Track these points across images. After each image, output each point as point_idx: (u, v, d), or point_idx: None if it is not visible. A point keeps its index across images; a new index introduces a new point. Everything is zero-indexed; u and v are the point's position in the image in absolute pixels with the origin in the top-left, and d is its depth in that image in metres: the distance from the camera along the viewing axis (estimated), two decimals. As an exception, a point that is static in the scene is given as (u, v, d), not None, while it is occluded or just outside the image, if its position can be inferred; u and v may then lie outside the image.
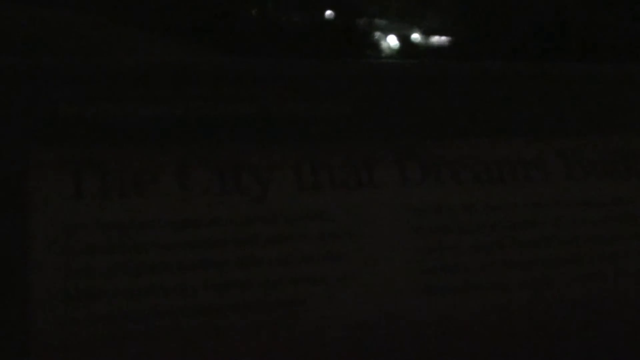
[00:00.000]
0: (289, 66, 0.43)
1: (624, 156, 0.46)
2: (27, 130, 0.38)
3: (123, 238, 0.37)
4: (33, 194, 0.37)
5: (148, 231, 0.37)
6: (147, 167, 0.38)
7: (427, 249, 0.41)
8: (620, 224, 0.45)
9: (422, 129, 0.43)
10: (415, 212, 0.41)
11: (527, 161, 0.44)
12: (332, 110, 0.42)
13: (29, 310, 0.35)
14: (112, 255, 0.37)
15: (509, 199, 0.43)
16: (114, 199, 0.37)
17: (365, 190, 0.41)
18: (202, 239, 0.38)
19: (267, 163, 0.40)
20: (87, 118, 0.38)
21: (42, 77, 0.38)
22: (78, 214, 0.37)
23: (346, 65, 0.44)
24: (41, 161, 0.37)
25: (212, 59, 0.42)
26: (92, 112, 0.39)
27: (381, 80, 0.43)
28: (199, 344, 0.37)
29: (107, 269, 0.37)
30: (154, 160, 0.38)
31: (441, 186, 0.42)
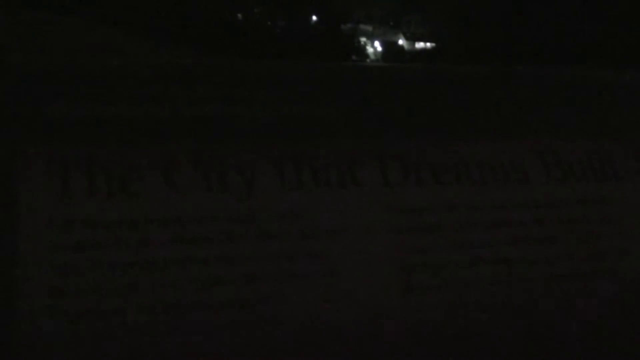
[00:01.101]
0: (273, 68, 0.44)
1: (601, 158, 0.47)
2: (16, 130, 0.38)
3: (110, 235, 0.38)
4: (22, 193, 0.37)
5: (134, 229, 0.38)
6: (134, 166, 0.39)
7: (408, 248, 0.42)
8: (598, 224, 0.46)
9: (404, 131, 0.44)
10: (396, 211, 0.42)
11: (507, 163, 0.45)
12: (316, 112, 0.43)
13: (17, 304, 0.36)
14: (98, 252, 0.37)
15: (489, 200, 0.44)
16: (102, 197, 0.38)
17: (347, 190, 0.42)
18: (187, 236, 0.38)
19: (251, 163, 0.40)
20: (75, 118, 0.39)
21: (30, 78, 0.39)
22: (66, 212, 0.37)
23: (330, 68, 0.45)
24: (30, 160, 0.38)
25: (198, 61, 0.43)
26: (80, 112, 0.39)
27: (364, 83, 0.44)
28: (183, 339, 0.38)
29: (94, 266, 0.37)
30: (140, 159, 0.39)
31: (422, 187, 0.43)
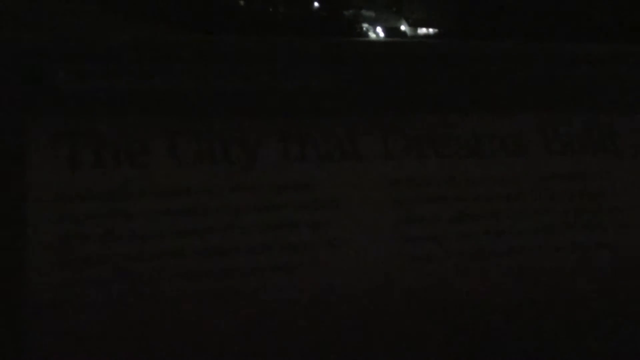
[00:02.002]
0: (277, 44, 0.44)
1: (600, 131, 0.48)
2: (25, 105, 0.39)
3: (116, 206, 0.38)
4: (31, 165, 0.38)
5: (140, 199, 0.39)
6: (140, 139, 0.40)
7: (408, 219, 0.43)
8: (596, 196, 0.47)
9: (405, 105, 0.45)
10: (397, 183, 0.43)
11: (506, 136, 0.46)
12: (318, 86, 0.43)
13: (26, 273, 0.37)
14: (105, 222, 0.38)
15: (488, 172, 0.45)
16: (108, 169, 0.39)
17: (349, 162, 0.42)
18: (192, 206, 0.39)
19: (254, 135, 0.41)
20: (83, 93, 0.40)
21: (39, 55, 0.40)
22: (73, 184, 0.38)
23: (332, 44, 0.46)
24: (38, 135, 0.39)
25: (203, 37, 0.43)
26: (87, 87, 0.40)
27: (365, 58, 0.45)
28: (188, 307, 0.39)
29: (101, 236, 0.38)
30: (146, 132, 0.40)
31: (422, 159, 0.44)
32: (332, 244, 0.41)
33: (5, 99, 0.39)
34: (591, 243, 0.46)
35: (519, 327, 0.44)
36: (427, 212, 0.43)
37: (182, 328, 0.38)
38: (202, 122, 0.41)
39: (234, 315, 0.39)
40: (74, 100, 0.39)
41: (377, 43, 0.48)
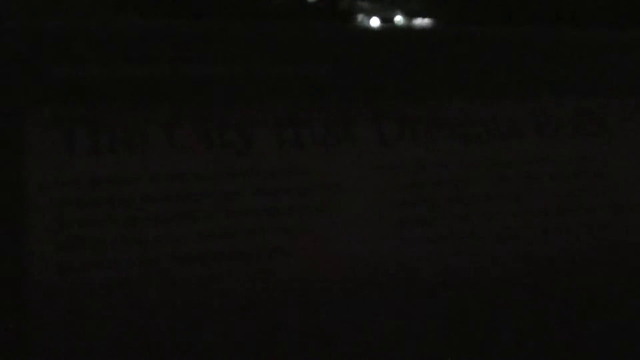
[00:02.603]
0: (271, 29, 0.45)
1: (592, 115, 0.48)
2: (22, 90, 0.39)
3: (113, 191, 0.39)
4: (28, 151, 0.38)
5: (137, 184, 0.39)
6: (136, 124, 0.40)
7: (403, 202, 0.43)
8: (590, 179, 0.47)
9: (399, 90, 0.45)
10: (391, 167, 0.43)
11: (500, 120, 0.46)
12: (312, 71, 0.44)
13: (25, 258, 0.37)
14: (102, 207, 0.39)
15: (482, 156, 0.45)
16: (105, 154, 0.39)
17: (344, 147, 0.43)
18: (189, 191, 0.40)
19: (250, 121, 0.42)
20: (79, 78, 0.40)
21: (35, 40, 0.40)
22: (71, 169, 0.39)
23: (326, 29, 0.46)
24: (35, 119, 0.39)
25: (197, 22, 0.44)
26: (83, 72, 0.40)
27: (359, 43, 0.45)
28: (187, 291, 0.39)
29: (98, 220, 0.38)
30: (142, 117, 0.40)
31: (416, 144, 0.44)
32: (329, 227, 0.42)
33: (1, 84, 0.39)
34: (584, 224, 0.46)
35: (519, 310, 0.44)
36: (423, 195, 0.44)
37: (181, 311, 0.39)
38: (198, 108, 0.41)
39: (232, 299, 0.39)
40: (70, 86, 0.40)
41: (371, 30, 0.49)
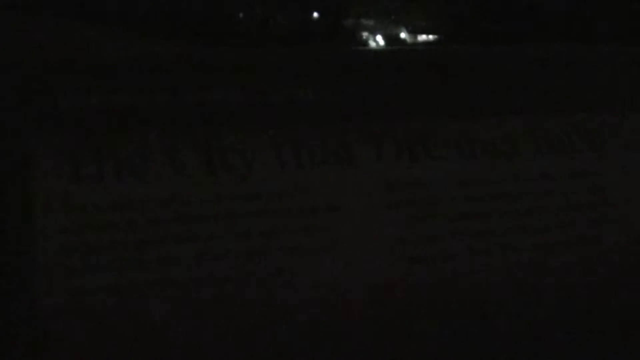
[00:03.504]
0: (269, 54, 0.46)
1: (589, 130, 0.49)
2: (27, 118, 0.40)
3: (119, 216, 0.40)
4: (34, 178, 0.39)
5: (142, 209, 0.40)
6: (140, 150, 0.41)
7: (404, 222, 0.44)
8: (587, 194, 0.48)
9: (397, 110, 0.46)
10: (391, 187, 0.44)
11: (497, 138, 0.47)
12: (310, 94, 0.45)
13: (34, 284, 0.38)
14: (110, 233, 0.39)
15: (480, 174, 0.46)
16: (110, 181, 0.40)
17: (344, 167, 0.44)
18: (191, 214, 0.41)
19: (251, 144, 0.43)
20: (83, 106, 0.41)
21: (39, 69, 0.41)
22: (76, 196, 0.40)
23: (323, 52, 0.47)
24: (41, 147, 0.40)
25: (198, 50, 0.45)
26: (87, 101, 0.41)
27: (357, 64, 0.46)
28: (190, 314, 0.40)
29: (105, 246, 0.39)
30: (146, 144, 0.41)
31: (415, 163, 0.45)
32: (330, 248, 0.43)
33: (7, 115, 0.40)
34: (586, 240, 0.47)
35: (520, 326, 0.45)
36: (423, 214, 0.45)
37: (186, 333, 0.40)
38: (199, 133, 0.42)
39: (234, 321, 0.40)
40: (75, 114, 0.41)
41: (368, 51, 0.50)
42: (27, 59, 0.42)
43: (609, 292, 0.46)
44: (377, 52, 0.49)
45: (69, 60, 0.42)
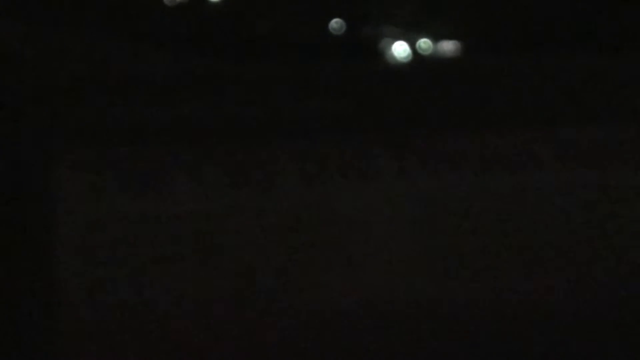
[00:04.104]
0: (291, 68, 0.46)
1: (611, 145, 0.48)
2: (51, 133, 0.41)
3: (140, 230, 0.40)
4: (59, 192, 0.40)
5: (164, 223, 0.40)
6: (162, 165, 0.41)
7: (426, 235, 0.44)
8: (613, 207, 0.47)
9: (419, 124, 0.46)
10: (413, 200, 0.44)
11: (519, 151, 0.47)
12: (333, 108, 0.45)
13: (57, 295, 0.38)
14: (131, 246, 0.40)
15: (502, 187, 0.46)
16: (133, 195, 0.40)
17: (366, 181, 0.44)
18: (214, 229, 0.41)
19: (273, 158, 0.43)
20: (107, 123, 0.42)
21: (64, 85, 0.42)
22: (99, 209, 0.40)
23: (345, 66, 0.47)
24: (67, 163, 0.40)
25: (220, 65, 0.45)
26: (111, 116, 0.42)
27: (379, 78, 0.46)
28: (211, 328, 0.40)
29: (126, 259, 0.39)
30: (168, 159, 0.41)
31: (437, 176, 0.45)
32: (352, 261, 0.42)
33: (31, 129, 0.41)
34: (607, 253, 0.46)
35: (542, 340, 0.44)
36: (445, 227, 0.44)
37: (205, 349, 0.40)
38: (222, 148, 0.42)
39: (257, 333, 0.40)
40: (98, 130, 0.41)
41: (390, 65, 0.50)
42: (52, 74, 0.42)
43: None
44: (399, 64, 0.49)
45: (93, 76, 0.43)
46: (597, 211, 0.47)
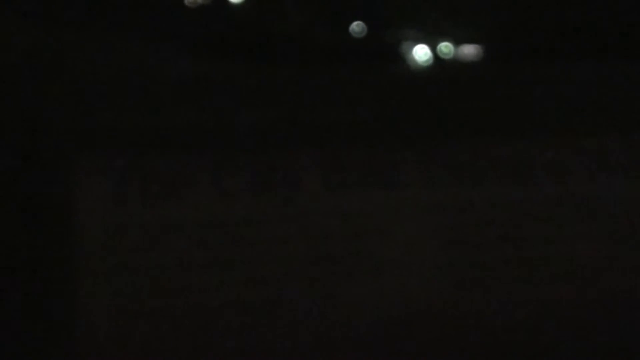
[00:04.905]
0: (314, 73, 0.45)
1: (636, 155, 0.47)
2: (72, 141, 0.40)
3: (162, 238, 0.39)
4: (79, 200, 0.39)
5: (185, 231, 0.40)
6: (183, 171, 0.41)
7: (453, 246, 0.43)
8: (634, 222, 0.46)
9: (445, 132, 0.45)
10: (438, 210, 0.43)
11: (546, 160, 0.46)
12: (357, 115, 0.44)
13: (78, 306, 0.38)
14: (151, 255, 0.39)
15: (529, 196, 0.45)
16: (154, 202, 0.40)
17: (391, 190, 0.43)
18: (236, 238, 0.40)
19: (295, 166, 0.42)
20: (126, 128, 0.41)
21: (83, 87, 0.41)
22: (120, 217, 0.39)
23: (369, 71, 0.46)
24: (86, 169, 0.40)
25: (241, 68, 0.44)
26: (130, 122, 0.41)
27: (403, 84, 0.45)
28: (234, 338, 0.39)
29: (148, 268, 0.39)
30: (189, 165, 0.41)
31: (461, 185, 0.44)
32: (375, 272, 0.42)
33: (49, 133, 0.40)
34: (634, 268, 0.45)
35: (568, 357, 0.43)
36: (471, 238, 0.44)
37: (225, 355, 0.39)
38: (244, 154, 0.42)
39: (277, 345, 0.40)
40: (118, 134, 0.41)
41: (414, 71, 0.49)
42: (71, 76, 0.42)
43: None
44: (421, 69, 0.48)
45: (114, 79, 0.42)
46: (631, 220, 0.46)
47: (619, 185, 0.46)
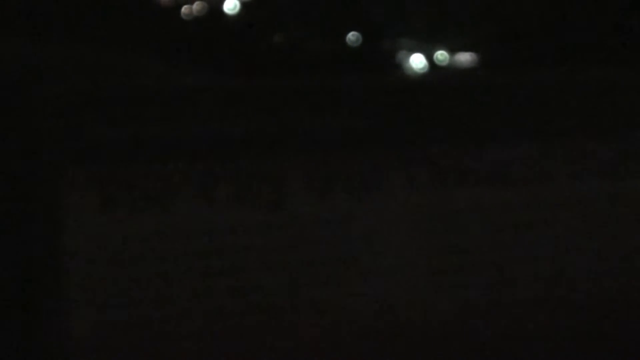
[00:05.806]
0: (300, 82, 0.45)
1: (625, 157, 0.48)
2: (59, 151, 0.40)
3: (148, 248, 0.40)
4: (65, 210, 0.39)
5: (173, 241, 0.40)
6: (169, 182, 0.41)
7: (438, 250, 0.43)
8: (630, 221, 0.47)
9: (429, 136, 0.45)
10: (424, 214, 0.43)
11: (531, 163, 0.46)
12: (341, 122, 0.44)
13: (65, 317, 0.38)
14: (138, 264, 0.39)
15: (514, 200, 0.45)
16: (140, 212, 0.40)
17: (375, 195, 0.43)
18: (223, 246, 0.40)
19: (282, 173, 0.42)
20: (113, 139, 0.41)
21: (73, 101, 0.41)
22: (107, 228, 0.40)
23: (355, 79, 0.46)
24: (71, 180, 0.40)
25: (229, 79, 0.45)
26: (117, 133, 0.41)
27: (389, 91, 0.46)
28: (222, 347, 0.39)
29: (133, 278, 0.39)
30: (175, 175, 0.41)
31: (451, 190, 0.44)
32: (365, 277, 0.42)
33: (37, 145, 0.40)
34: (619, 269, 0.46)
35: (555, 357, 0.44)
36: (456, 243, 0.44)
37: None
38: (230, 164, 0.42)
39: (265, 353, 0.40)
40: (104, 146, 0.41)
41: (400, 78, 0.49)
42: (58, 89, 0.42)
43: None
44: (410, 78, 0.48)
45: (99, 91, 0.42)
46: (613, 224, 0.46)
47: (602, 187, 0.46)
